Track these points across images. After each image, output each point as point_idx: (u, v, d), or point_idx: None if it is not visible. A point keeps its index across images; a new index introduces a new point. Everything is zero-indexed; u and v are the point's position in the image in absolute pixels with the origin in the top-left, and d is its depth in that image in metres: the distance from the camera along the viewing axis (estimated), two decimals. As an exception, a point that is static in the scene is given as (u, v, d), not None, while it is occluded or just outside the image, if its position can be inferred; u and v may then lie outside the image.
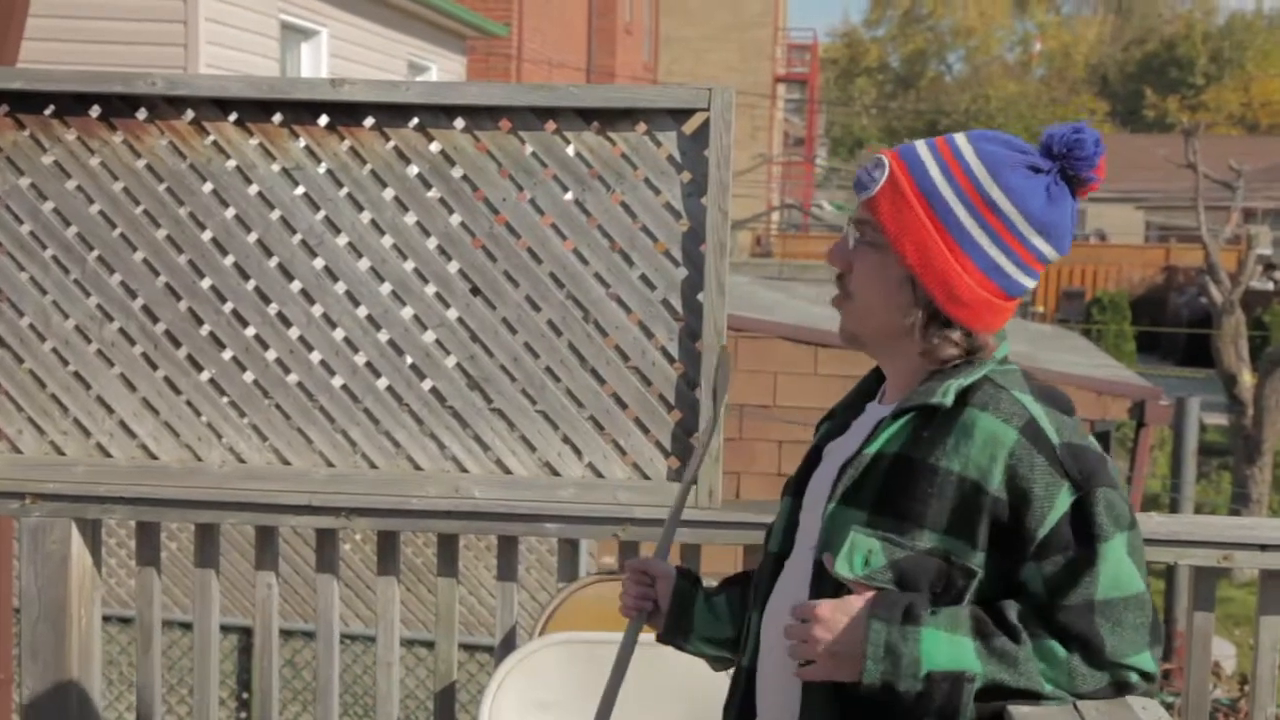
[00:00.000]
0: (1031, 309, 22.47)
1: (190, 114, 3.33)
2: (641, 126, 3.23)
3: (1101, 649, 1.80)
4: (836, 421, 2.08)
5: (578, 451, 3.31)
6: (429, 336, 3.32)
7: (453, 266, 3.31)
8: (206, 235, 3.34)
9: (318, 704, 3.43)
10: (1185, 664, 3.17)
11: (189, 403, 3.37)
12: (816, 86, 42.91)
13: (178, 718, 7.13)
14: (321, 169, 3.32)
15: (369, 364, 3.34)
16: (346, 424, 3.35)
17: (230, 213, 3.33)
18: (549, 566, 7.58)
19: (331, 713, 3.41)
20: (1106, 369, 10.20)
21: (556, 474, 3.31)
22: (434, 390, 3.33)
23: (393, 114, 3.29)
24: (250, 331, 3.35)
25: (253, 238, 3.33)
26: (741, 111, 31.39)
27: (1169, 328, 24.12)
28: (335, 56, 13.07)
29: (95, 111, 3.35)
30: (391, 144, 3.30)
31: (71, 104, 3.35)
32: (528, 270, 3.28)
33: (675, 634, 2.24)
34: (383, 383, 3.34)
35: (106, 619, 6.69)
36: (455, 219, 3.30)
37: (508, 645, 3.32)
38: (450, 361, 3.32)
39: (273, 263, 3.33)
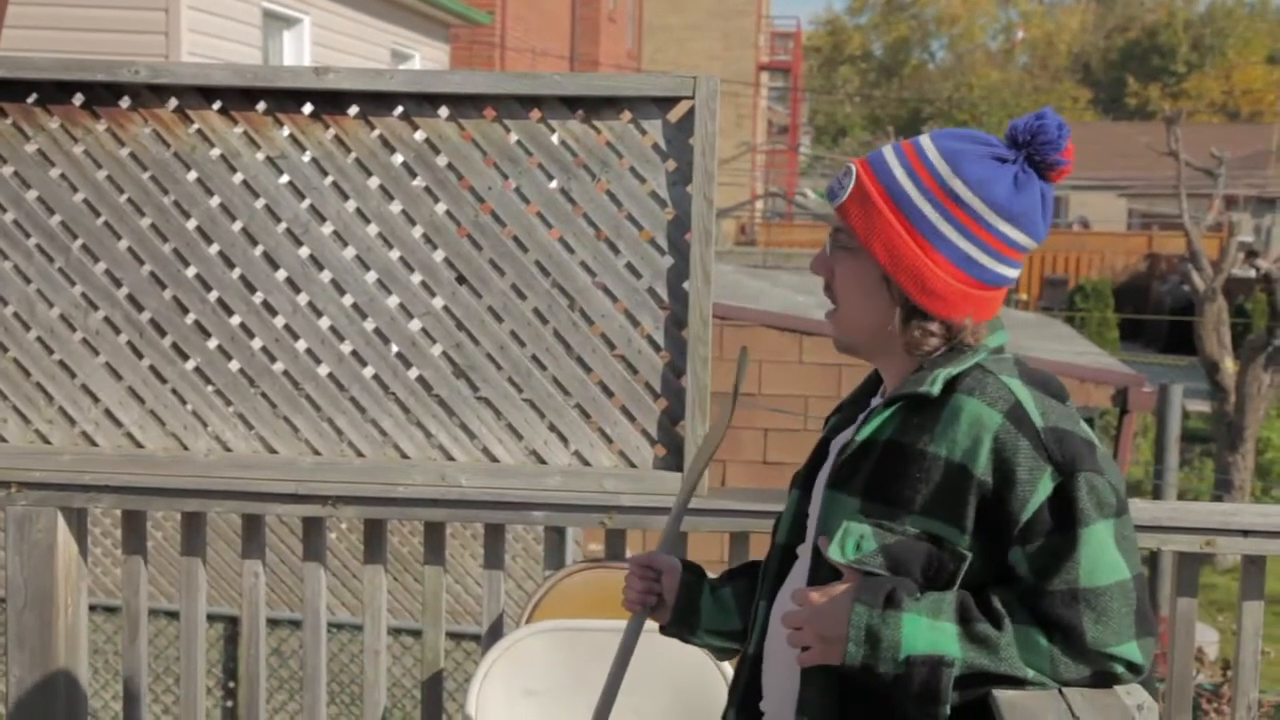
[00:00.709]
0: (1015, 296, 22.53)
1: (174, 102, 3.32)
2: (626, 115, 3.23)
3: (1083, 637, 1.81)
4: (844, 415, 2.11)
5: (564, 439, 3.32)
6: (415, 325, 3.32)
7: (438, 255, 3.31)
8: (191, 224, 3.33)
9: (305, 692, 3.44)
10: (1169, 649, 3.19)
11: (174, 391, 3.37)
12: (800, 75, 42.90)
13: (164, 706, 7.13)
14: (306, 157, 3.31)
15: (355, 352, 3.34)
16: (332, 412, 3.35)
17: (215, 201, 3.33)
18: (535, 555, 7.59)
19: (318, 701, 3.41)
20: (1089, 356, 10.23)
21: (543, 462, 3.32)
22: (420, 378, 3.33)
23: (377, 102, 3.29)
24: (235, 320, 3.35)
25: (237, 226, 3.33)
26: (725, 100, 31.35)
27: (1152, 315, 24.22)
28: (318, 44, 13.03)
29: (78, 99, 3.33)
30: (376, 132, 3.30)
31: (54, 92, 3.34)
32: (513, 258, 3.29)
33: (682, 627, 2.25)
34: (369, 371, 3.34)
35: (93, 608, 6.67)
36: (440, 207, 3.30)
37: (494, 633, 3.33)
38: (436, 350, 3.32)
39: (258, 251, 3.33)
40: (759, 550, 2.44)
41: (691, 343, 3.24)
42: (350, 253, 3.32)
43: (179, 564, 3.45)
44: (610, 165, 3.24)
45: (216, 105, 3.31)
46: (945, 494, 1.85)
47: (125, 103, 3.32)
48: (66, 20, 10.15)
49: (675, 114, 3.24)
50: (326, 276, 3.32)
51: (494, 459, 3.33)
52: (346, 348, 3.34)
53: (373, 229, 3.31)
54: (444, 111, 3.28)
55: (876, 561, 1.86)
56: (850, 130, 55.99)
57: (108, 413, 3.38)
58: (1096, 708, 1.81)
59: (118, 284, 3.35)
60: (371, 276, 3.32)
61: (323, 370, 3.34)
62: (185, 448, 3.37)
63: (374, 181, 3.31)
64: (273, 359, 3.35)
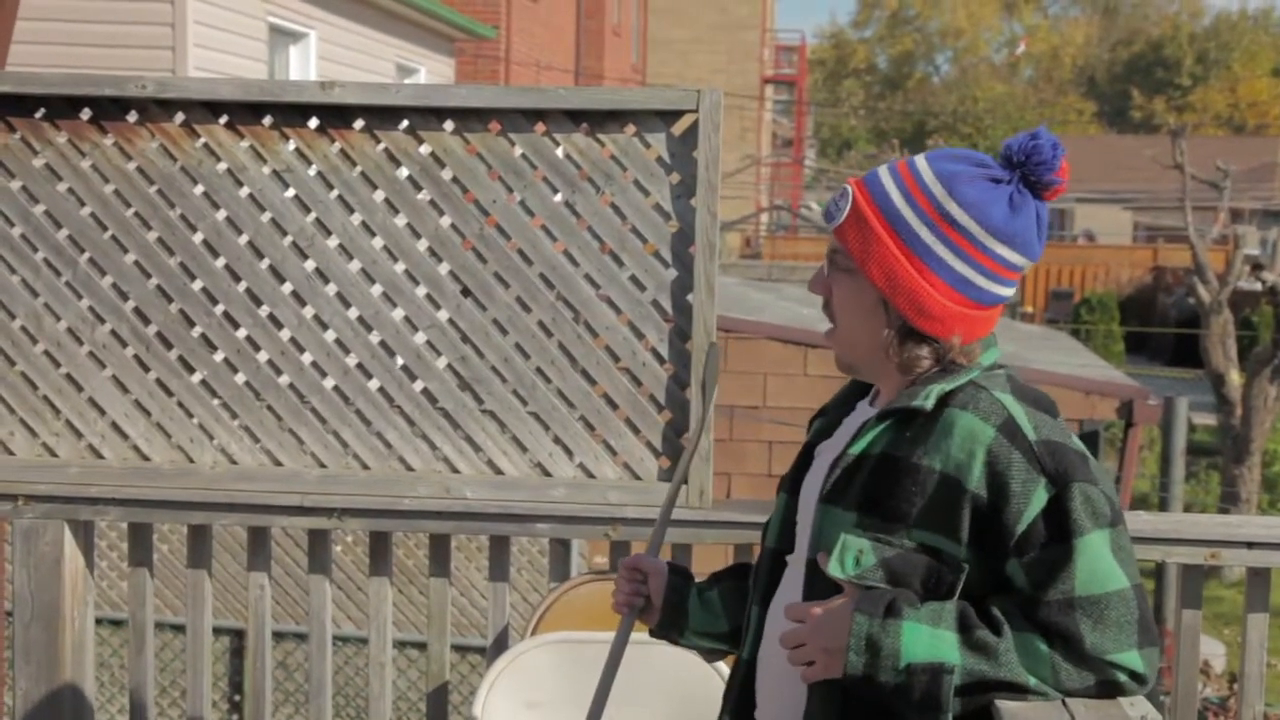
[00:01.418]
0: (1020, 309, 22.53)
1: (180, 116, 3.33)
2: (630, 128, 3.25)
3: (1081, 643, 1.81)
4: (829, 419, 2.13)
5: (569, 452, 3.32)
6: (420, 338, 3.33)
7: (443, 268, 3.32)
8: (197, 237, 3.35)
9: (310, 705, 3.44)
10: (1174, 662, 3.19)
11: (181, 404, 3.38)
12: (804, 88, 42.95)
13: (169, 720, 7.12)
14: (312, 171, 3.32)
15: (360, 365, 3.35)
16: (338, 425, 3.36)
17: (221, 215, 3.34)
18: (540, 567, 7.59)
19: (324, 714, 3.41)
20: (1095, 369, 10.22)
21: (548, 474, 3.32)
22: (425, 391, 3.34)
23: (382, 116, 3.30)
24: (241, 333, 3.36)
25: (243, 240, 3.34)
26: (730, 113, 31.45)
27: (1157, 328, 24.18)
28: (323, 59, 13.07)
29: (86, 114, 3.35)
30: (381, 146, 3.31)
31: (62, 107, 3.36)
32: (518, 272, 3.30)
33: (670, 629, 2.29)
34: (374, 384, 3.35)
35: (99, 621, 6.67)
36: (445, 220, 3.31)
37: (500, 646, 3.33)
38: (441, 362, 3.33)
39: (264, 264, 3.34)
40: (763, 562, 2.44)
41: (695, 355, 3.24)
42: (356, 266, 3.33)
43: (185, 577, 3.46)
44: (614, 178, 3.26)
45: (223, 120, 3.33)
46: (940, 507, 1.86)
47: (132, 117, 3.34)
48: (74, 36, 10.19)
49: (679, 127, 3.25)
50: (332, 289, 3.34)
51: (499, 471, 3.33)
52: (352, 360, 3.35)
53: (378, 242, 3.32)
54: (449, 125, 3.29)
55: (877, 575, 1.87)
56: (855, 143, 56.04)
57: (114, 425, 3.39)
58: (1100, 718, 1.81)
59: (125, 297, 3.37)
60: (377, 289, 3.33)
61: (328, 383, 3.35)
62: (191, 460, 3.38)
63: (379, 195, 3.32)
64: (279, 372, 3.36)
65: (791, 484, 2.11)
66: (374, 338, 3.34)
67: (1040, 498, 1.83)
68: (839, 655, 1.85)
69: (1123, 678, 1.83)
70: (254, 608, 3.41)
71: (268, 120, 3.32)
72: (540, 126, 3.27)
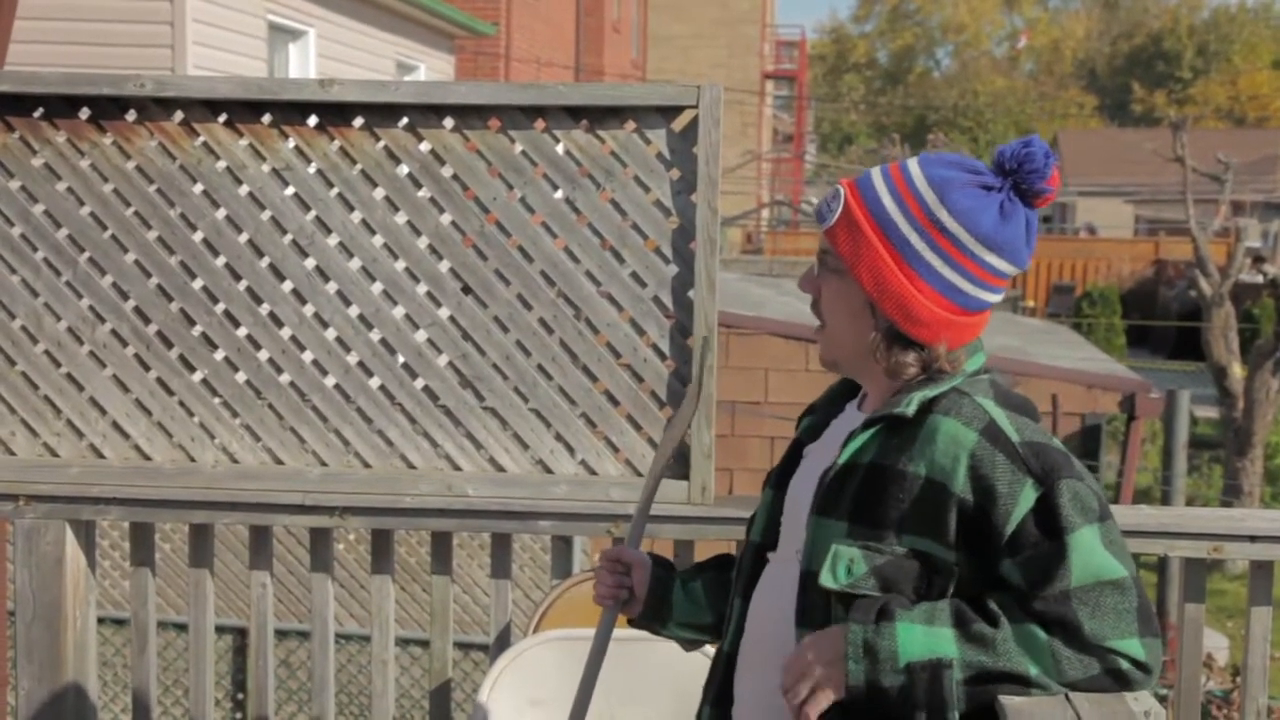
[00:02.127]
0: (1022, 304, 22.51)
1: (179, 115, 3.33)
2: (630, 124, 3.24)
3: (1080, 630, 1.82)
4: (817, 418, 2.17)
5: (570, 449, 3.32)
6: (420, 335, 3.33)
7: (444, 265, 3.31)
8: (197, 236, 3.34)
9: (313, 704, 3.44)
10: (1177, 655, 3.19)
11: (181, 403, 3.38)
12: (805, 83, 42.93)
13: (173, 719, 7.13)
14: (311, 169, 3.32)
15: (361, 363, 3.35)
16: (339, 423, 3.35)
17: (221, 213, 3.34)
18: (543, 564, 7.59)
19: (327, 712, 3.41)
20: (1097, 363, 10.22)
21: (549, 471, 3.32)
22: (426, 389, 3.34)
23: (382, 114, 3.30)
24: (242, 332, 3.35)
25: (243, 238, 3.34)
26: (730, 108, 31.42)
27: (1159, 321, 24.18)
28: (323, 57, 13.06)
29: (84, 113, 3.35)
30: (381, 144, 3.31)
31: (61, 106, 3.35)
32: (518, 269, 3.29)
33: (653, 620, 2.32)
34: (375, 382, 3.35)
35: (101, 620, 6.68)
36: (446, 218, 3.31)
37: (502, 643, 3.33)
38: (442, 360, 3.33)
39: (264, 263, 3.34)
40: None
41: (697, 351, 3.24)
42: (356, 264, 3.33)
43: (187, 576, 3.46)
44: (614, 174, 3.25)
45: (222, 118, 3.33)
46: (927, 512, 1.88)
47: (131, 116, 3.34)
48: (73, 35, 10.19)
49: (679, 123, 3.24)
50: (333, 287, 3.33)
51: (500, 469, 3.33)
52: (353, 358, 3.34)
53: (378, 240, 3.32)
54: (449, 122, 3.29)
55: (869, 584, 1.89)
56: (856, 138, 56.00)
57: (115, 425, 3.39)
58: (1103, 714, 1.81)
59: (125, 296, 3.36)
60: (377, 287, 3.33)
61: (329, 381, 3.35)
62: (192, 459, 3.38)
63: (379, 193, 3.31)
64: (279, 370, 3.36)
65: (778, 479, 2.15)
66: (375, 335, 3.34)
67: (1028, 497, 1.85)
68: (839, 666, 1.86)
69: (1125, 665, 1.83)
70: (256, 606, 3.41)
71: (267, 118, 3.32)
72: (540, 123, 3.26)
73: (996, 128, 49.46)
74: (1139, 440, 9.49)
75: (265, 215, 3.33)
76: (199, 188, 3.34)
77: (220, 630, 6.82)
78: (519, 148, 3.27)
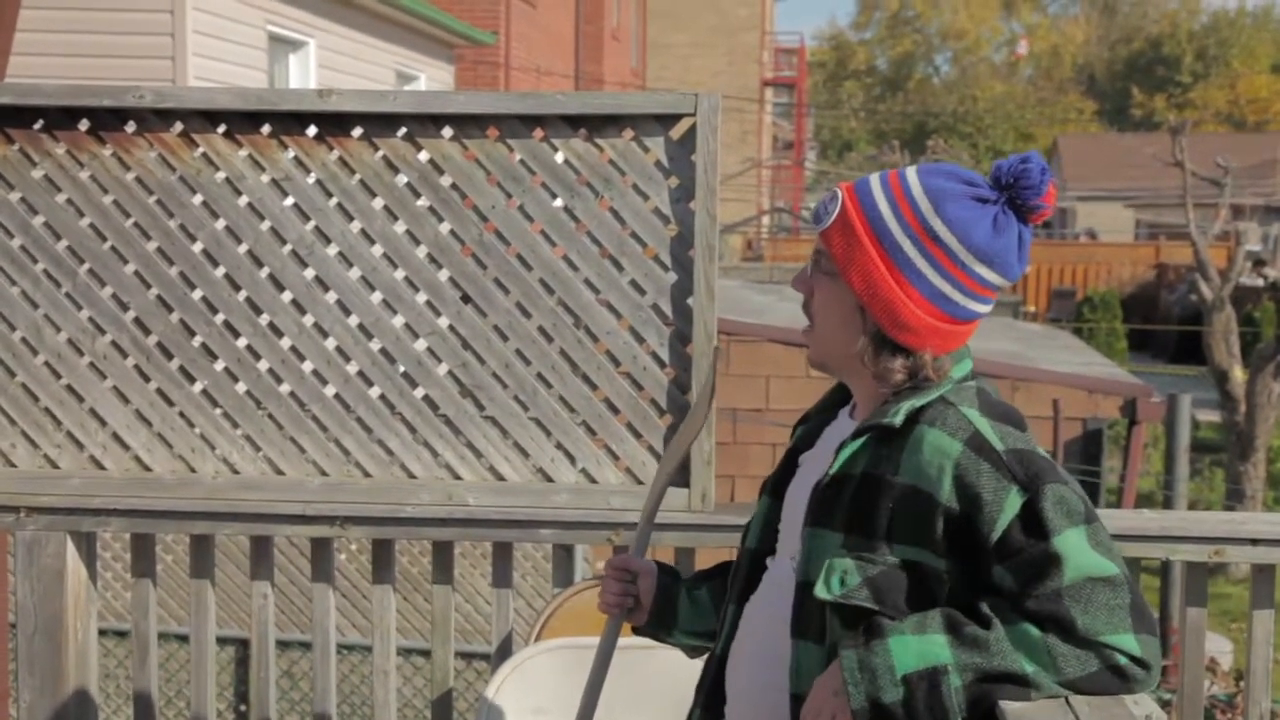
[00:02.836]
0: (1023, 309, 22.50)
1: (179, 126, 3.33)
2: (629, 132, 3.25)
3: (1073, 626, 1.82)
4: (811, 426, 2.18)
5: (571, 457, 3.32)
6: (420, 344, 3.33)
7: (443, 274, 3.31)
8: (197, 247, 3.35)
9: (315, 714, 3.43)
10: (1180, 659, 3.19)
11: (182, 414, 3.38)
12: (804, 90, 42.96)
13: (175, 730, 7.12)
14: (311, 179, 3.32)
15: (361, 373, 3.35)
16: (339, 433, 3.35)
17: (220, 224, 3.34)
18: (544, 573, 7.58)
19: (329, 722, 3.41)
20: (1098, 367, 10.22)
21: (550, 480, 3.32)
22: (426, 398, 3.34)
23: (381, 123, 3.30)
24: (242, 342, 3.36)
25: (243, 249, 3.34)
26: (730, 116, 31.43)
27: (1160, 325, 24.18)
28: (323, 67, 13.08)
29: (84, 125, 3.35)
30: (380, 153, 3.31)
31: (60, 118, 3.36)
32: (518, 277, 3.29)
33: (659, 628, 2.33)
34: (375, 391, 3.35)
35: (103, 632, 6.68)
36: (445, 227, 3.31)
37: (504, 652, 3.33)
38: (442, 369, 3.33)
39: (263, 273, 3.34)
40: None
41: (696, 358, 3.24)
42: (355, 273, 3.33)
43: (188, 587, 3.45)
44: (613, 183, 3.25)
45: (221, 129, 3.33)
46: (916, 521, 1.89)
47: (131, 128, 3.34)
48: (73, 47, 10.20)
49: (677, 131, 3.25)
50: (332, 297, 3.34)
51: (501, 478, 3.33)
52: (353, 368, 3.34)
53: (377, 249, 3.32)
54: (447, 132, 3.29)
55: (862, 595, 1.90)
56: (855, 144, 56.01)
57: (115, 436, 3.39)
58: (1104, 717, 1.80)
59: (125, 308, 3.37)
60: (377, 297, 3.33)
61: (329, 391, 3.35)
62: (193, 470, 3.38)
63: (378, 202, 3.32)
64: (279, 380, 3.36)
65: (774, 486, 2.16)
66: (374, 345, 3.34)
67: (1014, 503, 1.86)
68: (843, 694, 1.87)
69: (1122, 660, 1.83)
70: (257, 617, 3.41)
71: (266, 129, 3.32)
72: (539, 132, 3.27)
73: (996, 133, 49.44)
74: (1141, 445, 9.49)
75: (265, 225, 3.33)
76: (198, 198, 3.34)
77: (222, 641, 6.82)
78: (518, 156, 3.28)
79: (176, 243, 3.34)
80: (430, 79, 16.03)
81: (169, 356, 3.37)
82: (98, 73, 9.37)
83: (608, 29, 25.54)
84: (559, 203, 3.27)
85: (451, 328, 3.32)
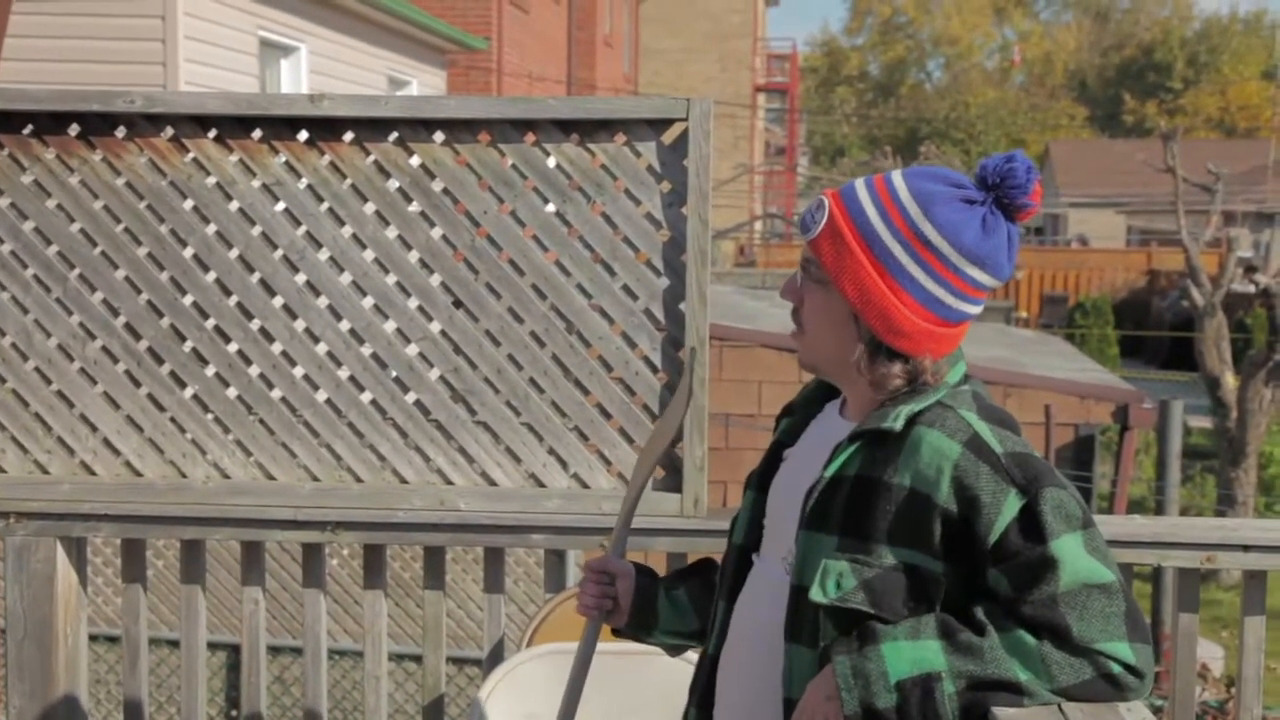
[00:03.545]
0: (1015, 315, 22.53)
1: (169, 131, 3.33)
2: (620, 137, 3.24)
3: (1068, 632, 1.82)
4: (796, 419, 2.17)
5: (563, 462, 3.32)
6: (412, 349, 3.33)
7: (435, 279, 3.31)
8: (187, 252, 3.34)
9: (306, 719, 3.43)
10: (1171, 665, 3.18)
11: (173, 419, 3.37)
12: (797, 96, 43.00)
13: (166, 736, 7.10)
14: (302, 184, 3.32)
15: (352, 378, 3.34)
16: (331, 438, 3.35)
17: (211, 229, 3.33)
18: (536, 578, 7.57)
19: (319, 728, 3.40)
20: (1090, 373, 10.22)
21: (542, 485, 3.32)
22: (418, 403, 3.33)
23: (372, 128, 3.30)
24: (233, 347, 3.35)
25: (234, 254, 3.33)
26: (722, 121, 31.45)
27: (1152, 331, 24.23)
28: (315, 72, 13.06)
29: (74, 130, 3.35)
30: (371, 158, 3.31)
31: (50, 123, 3.35)
32: (510, 282, 3.29)
33: (638, 629, 2.33)
34: (366, 396, 3.34)
35: (93, 638, 6.66)
36: (436, 232, 3.31)
37: (496, 657, 3.32)
38: (434, 374, 3.33)
39: (254, 278, 3.33)
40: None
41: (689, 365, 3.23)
42: (347, 278, 3.33)
43: (179, 592, 3.45)
44: (605, 188, 3.25)
45: (212, 134, 3.32)
46: (913, 524, 1.89)
47: (121, 132, 3.33)
48: (64, 52, 10.18)
49: (669, 136, 3.25)
50: (323, 302, 3.33)
51: (493, 482, 3.32)
52: (344, 373, 3.34)
53: (369, 254, 3.32)
54: (439, 137, 3.29)
55: (858, 598, 1.90)
56: (848, 150, 56.05)
57: (106, 442, 3.38)
58: (1096, 723, 1.80)
59: (115, 313, 3.36)
60: (368, 302, 3.33)
61: (320, 396, 3.34)
62: (184, 475, 3.37)
63: (370, 207, 3.31)
64: (270, 385, 3.35)
65: (760, 481, 2.16)
66: (366, 350, 3.33)
67: (1012, 506, 1.86)
68: (836, 700, 1.87)
69: (1116, 668, 1.84)
70: (248, 622, 3.40)
71: (257, 134, 3.32)
72: (530, 137, 3.27)
73: (988, 139, 49.54)
74: (1132, 451, 9.50)
75: (255, 230, 3.33)
76: (189, 203, 3.33)
77: (213, 646, 6.80)
78: (509, 161, 3.27)
79: (167, 248, 3.34)
80: (422, 84, 16.02)
81: (160, 362, 3.36)
82: (89, 78, 9.34)
83: (600, 35, 25.55)
84: (551, 208, 3.27)
85: (443, 333, 3.32)
